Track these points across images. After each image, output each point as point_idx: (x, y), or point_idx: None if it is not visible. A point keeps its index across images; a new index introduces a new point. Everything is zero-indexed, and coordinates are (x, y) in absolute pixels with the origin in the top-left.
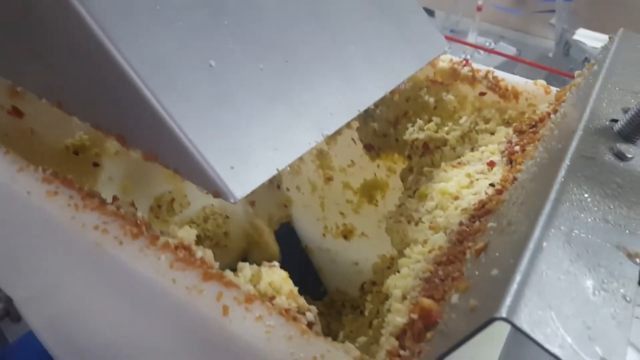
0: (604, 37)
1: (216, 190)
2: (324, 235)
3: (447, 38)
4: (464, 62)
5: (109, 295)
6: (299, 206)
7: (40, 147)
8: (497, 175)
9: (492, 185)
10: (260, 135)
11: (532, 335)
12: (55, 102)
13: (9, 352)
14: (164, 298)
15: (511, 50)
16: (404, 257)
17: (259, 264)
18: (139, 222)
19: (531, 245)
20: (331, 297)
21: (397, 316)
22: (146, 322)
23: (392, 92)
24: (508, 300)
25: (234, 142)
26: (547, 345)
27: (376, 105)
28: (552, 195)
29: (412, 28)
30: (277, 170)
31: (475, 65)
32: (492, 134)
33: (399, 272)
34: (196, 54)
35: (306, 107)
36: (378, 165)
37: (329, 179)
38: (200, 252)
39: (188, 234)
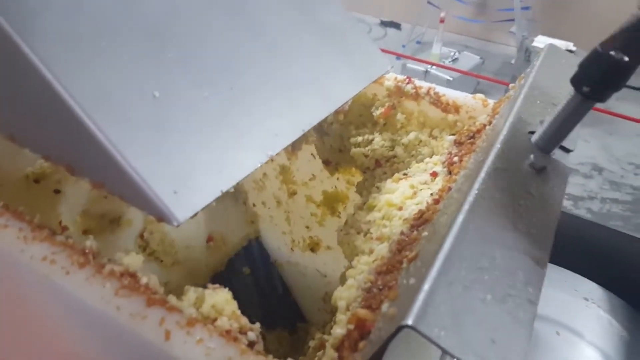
0: (562, 43)
1: (159, 215)
2: (292, 249)
3: (410, 58)
4: (407, 79)
5: (62, 324)
6: (265, 221)
7: (0, 176)
8: (438, 185)
9: (432, 195)
10: (204, 160)
11: (438, 342)
12: (7, 135)
13: None
14: (109, 325)
15: (475, 59)
16: (351, 268)
17: None
18: (87, 251)
19: (442, 256)
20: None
21: (338, 327)
22: (97, 351)
23: (338, 113)
24: (415, 309)
25: (177, 167)
26: (453, 351)
27: (330, 123)
28: (465, 207)
29: (355, 50)
30: (222, 191)
31: (417, 82)
32: (437, 147)
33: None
34: (140, 85)
35: (250, 130)
36: (338, 178)
37: (292, 194)
38: (145, 278)
39: (134, 261)
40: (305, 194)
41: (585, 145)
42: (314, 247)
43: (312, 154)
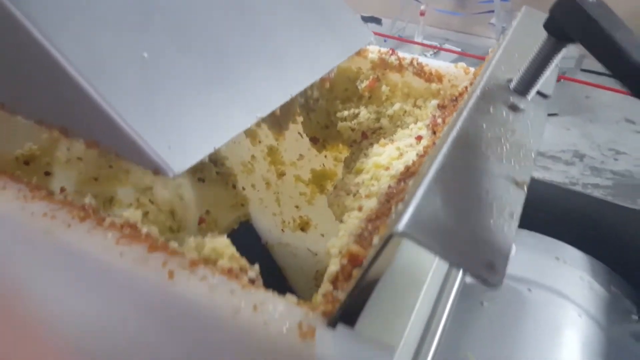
0: None
1: (156, 168)
2: (282, 230)
3: (398, 39)
4: (391, 51)
5: (63, 279)
6: (255, 204)
7: None
8: (424, 144)
9: (418, 154)
10: (195, 118)
11: (429, 245)
12: None
13: None
14: (112, 272)
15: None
16: (342, 224)
17: None
18: (86, 207)
19: (427, 181)
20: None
21: (332, 266)
22: (100, 301)
23: (323, 80)
24: (405, 219)
25: (170, 124)
26: (444, 255)
27: (316, 99)
28: (449, 141)
29: (338, 21)
30: (215, 148)
31: (400, 54)
32: (421, 115)
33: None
34: (129, 47)
35: (239, 93)
36: (325, 156)
37: (281, 174)
38: (145, 228)
39: (133, 215)
40: (294, 174)
41: (566, 133)
42: (304, 226)
43: (299, 133)
